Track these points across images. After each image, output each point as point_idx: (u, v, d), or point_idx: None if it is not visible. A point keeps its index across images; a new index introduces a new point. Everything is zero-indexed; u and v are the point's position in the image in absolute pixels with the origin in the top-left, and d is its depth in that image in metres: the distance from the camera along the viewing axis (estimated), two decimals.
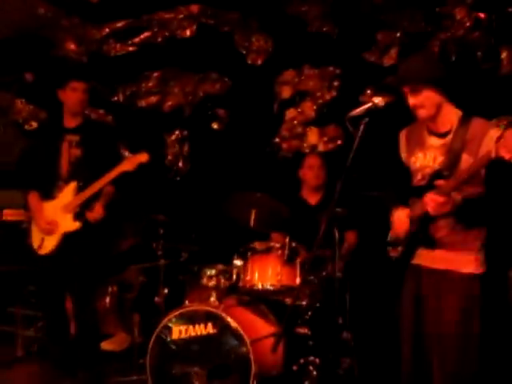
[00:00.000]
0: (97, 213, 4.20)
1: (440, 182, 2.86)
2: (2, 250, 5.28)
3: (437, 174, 2.98)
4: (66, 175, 4.25)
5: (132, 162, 4.15)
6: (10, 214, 5.22)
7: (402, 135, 3.26)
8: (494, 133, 2.88)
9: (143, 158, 4.15)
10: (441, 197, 2.83)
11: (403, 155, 3.25)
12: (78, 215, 4.22)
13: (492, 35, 4.60)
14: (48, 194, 4.30)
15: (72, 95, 4.27)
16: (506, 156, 2.53)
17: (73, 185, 4.22)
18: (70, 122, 4.34)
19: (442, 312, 2.96)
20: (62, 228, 4.22)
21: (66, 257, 4.23)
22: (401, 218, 3.14)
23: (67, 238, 4.22)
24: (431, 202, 2.86)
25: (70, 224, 4.22)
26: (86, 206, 4.22)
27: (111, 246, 5.61)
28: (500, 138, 2.57)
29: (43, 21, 5.76)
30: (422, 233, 3.02)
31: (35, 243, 4.32)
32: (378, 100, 2.78)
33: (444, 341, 2.95)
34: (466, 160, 2.92)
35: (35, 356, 5.04)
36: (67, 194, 4.23)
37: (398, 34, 4.99)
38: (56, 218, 4.24)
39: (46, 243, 4.27)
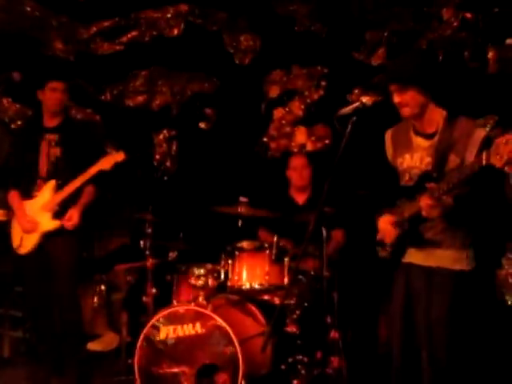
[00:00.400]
0: (72, 219, 4.21)
1: (431, 185, 2.87)
2: None
3: (425, 175, 2.99)
4: (46, 174, 4.28)
5: (109, 160, 4.18)
6: None
7: (388, 135, 3.28)
8: (479, 133, 2.92)
9: (119, 157, 4.19)
10: (431, 200, 2.85)
11: (389, 155, 3.27)
12: (57, 214, 4.24)
13: (479, 35, 4.62)
14: (27, 192, 4.32)
15: (51, 95, 4.31)
16: (498, 164, 2.55)
17: (51, 183, 4.25)
18: (50, 122, 4.38)
19: (431, 308, 2.97)
20: (42, 227, 4.24)
21: (45, 255, 4.24)
22: (386, 227, 3.17)
23: (47, 236, 4.24)
24: (424, 205, 2.88)
25: (49, 223, 4.23)
26: (65, 205, 4.24)
27: (93, 244, 5.62)
28: (489, 141, 2.59)
29: (31, 20, 5.73)
30: (413, 233, 3.03)
31: (15, 243, 4.34)
32: (366, 99, 2.80)
33: (434, 337, 2.96)
34: (453, 161, 2.94)
35: (23, 357, 5.02)
36: (46, 192, 4.26)
37: (386, 34, 5.00)
38: (35, 216, 4.25)
39: (25, 242, 4.28)
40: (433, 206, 2.85)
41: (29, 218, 4.25)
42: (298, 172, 4.84)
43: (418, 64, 3.01)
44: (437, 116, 3.04)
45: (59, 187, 4.23)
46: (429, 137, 3.05)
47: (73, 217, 4.21)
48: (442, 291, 2.97)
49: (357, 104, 2.80)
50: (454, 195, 2.86)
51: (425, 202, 2.87)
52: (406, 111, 3.00)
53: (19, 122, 5.86)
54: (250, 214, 4.30)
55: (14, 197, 4.37)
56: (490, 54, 4.59)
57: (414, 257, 3.09)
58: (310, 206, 4.63)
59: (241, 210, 4.25)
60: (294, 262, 3.89)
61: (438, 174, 2.92)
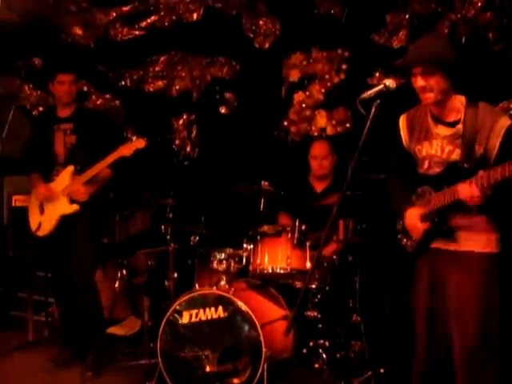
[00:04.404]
0: (80, 193, 4.27)
1: (482, 174, 2.76)
2: (12, 235, 5.32)
3: (453, 166, 2.94)
4: (64, 161, 4.37)
5: (129, 147, 4.21)
6: (20, 200, 5.27)
7: (403, 120, 3.22)
8: (503, 122, 2.87)
9: (140, 144, 4.21)
10: (477, 189, 2.76)
11: (405, 141, 3.21)
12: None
13: (504, 15, 4.52)
14: (46, 178, 4.43)
15: (60, 88, 4.40)
16: None
17: (70, 169, 4.33)
18: (63, 112, 4.47)
19: (462, 291, 2.95)
20: (61, 210, 4.31)
21: (64, 238, 4.32)
22: (413, 222, 3.10)
23: (65, 220, 4.30)
24: (468, 193, 2.80)
25: (67, 207, 4.30)
26: None
27: (115, 229, 5.68)
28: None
29: (50, 5, 5.74)
30: (442, 225, 3.00)
31: (33, 226, 4.45)
32: (390, 82, 2.71)
33: (465, 318, 2.95)
34: (477, 150, 2.89)
35: (46, 340, 5.08)
36: (65, 177, 4.33)
37: (408, 16, 4.92)
38: (54, 197, 4.33)
39: (43, 225, 4.38)
40: (478, 195, 2.76)
41: (47, 187, 4.35)
42: (318, 161, 4.70)
43: (447, 47, 2.93)
44: (457, 103, 2.98)
45: (77, 172, 4.30)
46: (450, 125, 2.99)
47: (81, 190, 4.26)
48: (473, 274, 2.95)
49: (380, 87, 2.71)
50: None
51: (470, 190, 2.78)
52: (429, 97, 2.93)
53: (40, 109, 5.91)
54: (272, 192, 4.26)
55: (35, 176, 4.49)
56: None
57: (441, 242, 3.05)
58: (328, 194, 4.57)
59: (265, 187, 4.22)
60: (317, 250, 3.86)
61: (468, 165, 2.87)
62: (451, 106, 2.98)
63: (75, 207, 4.29)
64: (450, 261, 3.01)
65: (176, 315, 3.92)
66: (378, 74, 5.03)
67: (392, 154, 3.33)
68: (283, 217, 4.76)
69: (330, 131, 5.32)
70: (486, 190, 2.76)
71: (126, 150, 4.18)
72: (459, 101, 2.98)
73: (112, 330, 5.08)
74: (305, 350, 4.07)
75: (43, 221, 4.39)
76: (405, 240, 3.21)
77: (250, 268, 4.12)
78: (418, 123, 3.13)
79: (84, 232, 4.33)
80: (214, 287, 4.00)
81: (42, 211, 4.42)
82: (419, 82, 2.91)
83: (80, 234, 4.32)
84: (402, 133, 3.22)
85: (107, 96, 6.07)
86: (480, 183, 2.75)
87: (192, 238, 4.64)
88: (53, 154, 4.39)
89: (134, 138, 4.27)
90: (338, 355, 4.03)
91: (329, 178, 4.76)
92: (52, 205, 4.37)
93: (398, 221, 3.26)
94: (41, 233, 4.40)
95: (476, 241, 2.97)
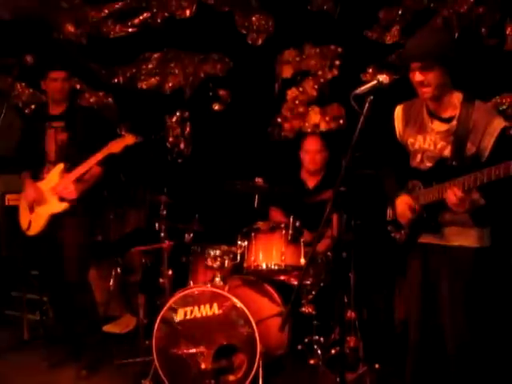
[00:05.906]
0: (68, 190, 4.25)
1: (465, 178, 2.75)
2: (5, 234, 5.31)
3: (442, 162, 2.95)
4: (54, 158, 4.35)
5: (118, 144, 4.20)
6: (12, 199, 5.24)
7: (398, 111, 3.22)
8: (498, 123, 2.86)
9: (129, 140, 4.21)
10: (462, 192, 2.75)
11: (398, 131, 3.21)
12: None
13: (496, 10, 4.53)
14: (37, 176, 4.41)
15: (53, 85, 4.38)
16: None
17: (59, 167, 4.31)
18: (55, 110, 4.45)
19: (454, 285, 2.97)
20: (50, 209, 4.30)
21: (55, 238, 4.31)
22: (403, 207, 3.10)
23: (55, 219, 4.29)
24: (452, 197, 2.79)
25: (57, 205, 4.29)
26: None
27: (109, 227, 5.67)
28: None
29: (42, 3, 5.71)
30: (429, 220, 3.00)
31: (23, 225, 4.44)
32: (383, 77, 2.70)
33: (457, 313, 2.96)
34: (469, 149, 2.89)
35: (41, 339, 5.07)
36: (54, 175, 4.32)
37: (400, 12, 4.92)
38: (44, 198, 4.32)
39: (33, 224, 4.36)
40: (463, 198, 2.76)
41: (36, 188, 4.33)
42: (310, 155, 4.69)
43: (444, 42, 2.92)
44: (453, 99, 2.98)
45: (67, 170, 4.29)
46: (445, 121, 3.00)
47: (70, 188, 4.24)
48: (464, 268, 2.97)
49: (374, 82, 2.70)
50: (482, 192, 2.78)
51: (454, 194, 2.77)
52: (427, 91, 2.93)
53: (33, 107, 5.89)
54: (266, 189, 4.27)
55: (25, 175, 4.47)
56: (509, 31, 4.49)
57: (431, 237, 3.07)
58: (320, 190, 4.57)
59: (258, 183, 4.22)
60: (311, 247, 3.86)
61: (457, 163, 2.88)
62: (448, 102, 2.99)
63: (64, 206, 4.28)
64: (441, 256, 3.03)
65: (171, 312, 3.91)
66: (371, 70, 5.02)
67: (385, 145, 3.33)
68: (275, 212, 4.76)
69: (323, 127, 5.32)
70: (471, 194, 2.76)
71: (115, 147, 4.18)
72: (456, 97, 2.99)
73: (107, 327, 5.08)
74: (300, 347, 4.06)
75: (33, 220, 4.37)
76: (394, 232, 3.22)
77: (245, 265, 4.12)
78: (414, 116, 3.13)
79: (74, 231, 4.31)
80: (209, 284, 4.01)
81: (31, 210, 4.40)
82: (417, 76, 2.92)
83: (70, 233, 4.29)
84: (396, 123, 3.22)
85: (100, 93, 6.05)
86: (466, 186, 2.74)
87: (186, 235, 4.64)
88: (44, 152, 4.37)
89: (124, 135, 4.27)
90: (332, 351, 4.03)
91: (320, 173, 4.76)
92: (41, 204, 4.35)
93: (388, 211, 3.27)
94: (31, 232, 4.38)
95: (466, 236, 2.99)
